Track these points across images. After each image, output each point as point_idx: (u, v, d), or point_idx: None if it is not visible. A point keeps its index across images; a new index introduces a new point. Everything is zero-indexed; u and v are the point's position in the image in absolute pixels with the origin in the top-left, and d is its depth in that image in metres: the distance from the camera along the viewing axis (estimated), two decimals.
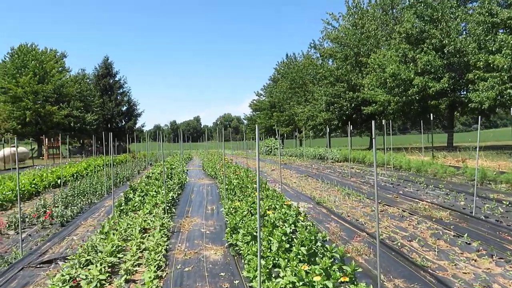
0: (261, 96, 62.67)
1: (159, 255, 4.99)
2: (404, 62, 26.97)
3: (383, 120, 18.21)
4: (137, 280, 4.45)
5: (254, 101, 63.94)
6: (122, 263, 4.74)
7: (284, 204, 6.40)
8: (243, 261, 4.86)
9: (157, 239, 5.53)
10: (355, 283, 3.51)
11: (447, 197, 9.08)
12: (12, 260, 5.27)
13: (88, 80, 54.19)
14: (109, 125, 55.37)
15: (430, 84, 24.60)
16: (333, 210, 8.09)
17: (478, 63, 21.21)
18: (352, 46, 33.51)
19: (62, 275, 4.30)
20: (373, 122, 3.67)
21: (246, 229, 5.25)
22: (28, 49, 41.85)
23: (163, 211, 7.41)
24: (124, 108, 59.25)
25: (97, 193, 11.00)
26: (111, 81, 57.85)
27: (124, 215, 7.47)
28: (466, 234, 5.75)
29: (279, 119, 49.06)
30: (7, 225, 7.04)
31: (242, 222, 5.85)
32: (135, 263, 4.86)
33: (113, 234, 5.76)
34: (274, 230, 5.13)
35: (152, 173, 13.08)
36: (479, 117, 9.07)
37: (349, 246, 5.58)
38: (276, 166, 20.88)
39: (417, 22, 26.37)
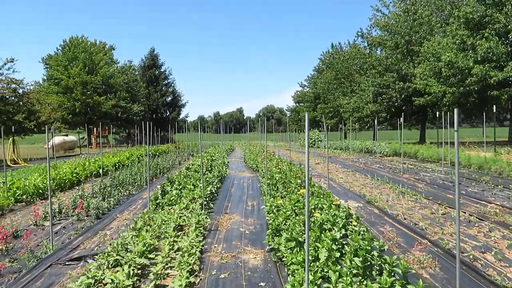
0: (305, 87, 61.37)
1: (193, 258, 4.49)
2: (462, 49, 24.85)
3: (436, 112, 16.75)
4: (167, 286, 3.99)
5: (298, 92, 62.77)
6: (152, 266, 4.29)
7: (333, 204, 5.70)
8: (286, 270, 4.25)
9: (191, 239, 5.05)
10: None
11: None
12: (42, 255, 5.00)
13: (134, 71, 55.47)
14: (154, 116, 56.54)
15: (491, 73, 22.39)
16: (387, 211, 7.25)
17: None
18: (403, 33, 31.62)
19: (88, 277, 3.91)
20: (455, 110, 2.89)
21: (289, 233, 4.62)
22: (78, 41, 43.35)
23: (200, 206, 6.94)
24: (169, 98, 60.23)
25: (136, 184, 10.80)
26: (157, 72, 58.94)
27: (160, 210, 7.09)
28: None
29: (324, 111, 47.65)
30: (43, 216, 6.88)
31: (285, 224, 5.24)
32: (166, 266, 4.41)
33: (146, 231, 5.34)
34: (322, 235, 4.47)
35: (192, 165, 12.74)
36: None
37: (409, 256, 4.82)
38: (320, 159, 20.01)
39: (478, 5, 24.10)
